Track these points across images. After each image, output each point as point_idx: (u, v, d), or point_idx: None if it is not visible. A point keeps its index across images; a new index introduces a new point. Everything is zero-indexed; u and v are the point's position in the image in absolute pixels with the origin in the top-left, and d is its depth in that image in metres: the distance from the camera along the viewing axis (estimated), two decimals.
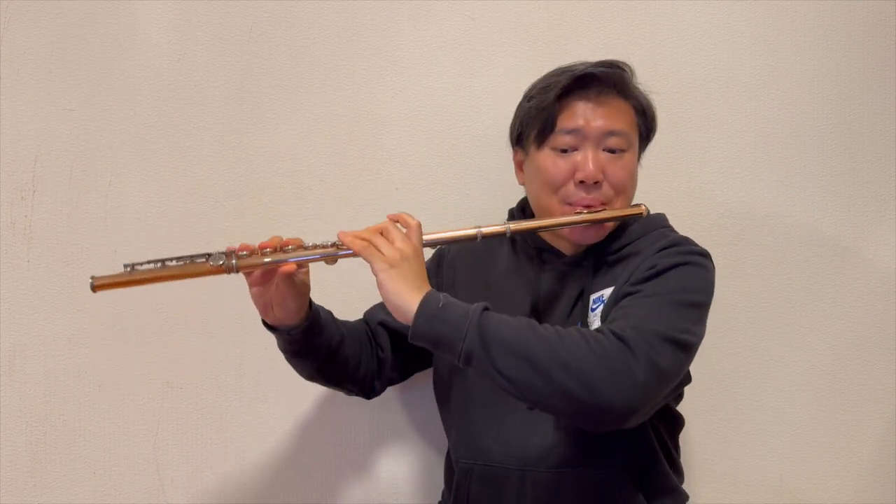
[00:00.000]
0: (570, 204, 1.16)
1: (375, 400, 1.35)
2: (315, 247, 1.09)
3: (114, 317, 1.43)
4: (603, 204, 1.16)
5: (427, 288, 1.04)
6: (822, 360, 1.54)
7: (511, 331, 1.00)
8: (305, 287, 1.13)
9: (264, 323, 1.16)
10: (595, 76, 1.16)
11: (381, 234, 1.07)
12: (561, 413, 1.04)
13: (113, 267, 1.09)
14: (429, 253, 1.27)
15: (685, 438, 1.30)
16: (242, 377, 1.46)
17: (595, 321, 1.13)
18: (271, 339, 1.20)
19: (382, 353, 1.28)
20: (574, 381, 0.96)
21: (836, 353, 1.55)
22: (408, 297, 1.02)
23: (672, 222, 1.24)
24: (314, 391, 1.46)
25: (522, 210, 1.29)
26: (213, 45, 1.45)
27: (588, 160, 1.15)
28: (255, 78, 1.46)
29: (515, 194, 1.33)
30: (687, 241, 1.16)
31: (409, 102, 1.48)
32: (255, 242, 1.10)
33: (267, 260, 1.07)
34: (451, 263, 1.32)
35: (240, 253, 1.08)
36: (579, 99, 1.16)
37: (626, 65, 1.20)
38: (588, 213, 1.15)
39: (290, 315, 1.12)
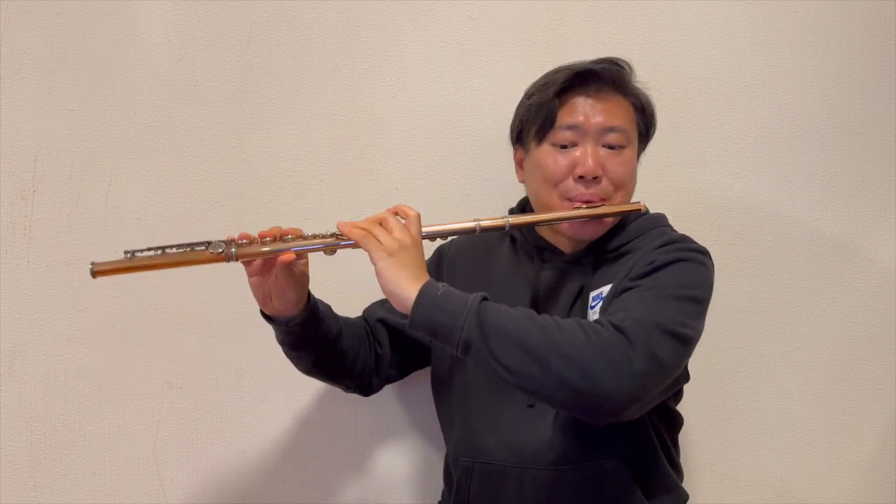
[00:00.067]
0: (569, 199, 1.17)
1: (375, 399, 1.35)
2: (314, 236, 1.10)
3: (114, 317, 1.43)
4: (602, 199, 1.17)
5: (426, 277, 1.04)
6: (822, 360, 1.54)
7: (510, 320, 1.00)
8: (304, 278, 1.13)
9: (263, 314, 1.16)
10: (594, 73, 1.17)
11: (381, 224, 1.08)
12: (559, 403, 1.04)
13: None
14: (429, 250, 1.27)
15: (685, 438, 1.30)
16: (242, 377, 1.46)
17: (594, 318, 1.13)
18: (271, 339, 1.20)
19: (381, 349, 1.28)
20: (572, 371, 0.96)
21: (836, 353, 1.55)
22: (406, 286, 1.02)
23: (672, 222, 1.24)
24: (314, 391, 1.46)
25: (522, 209, 1.29)
26: (213, 45, 1.45)
27: (587, 155, 1.15)
28: (255, 78, 1.46)
29: (515, 194, 1.33)
30: (686, 239, 1.17)
31: (409, 102, 1.48)
32: None
33: (266, 249, 1.08)
34: (451, 262, 1.32)
35: (239, 241, 1.08)
36: (579, 95, 1.17)
37: (626, 62, 1.21)
38: (587, 208, 1.16)
39: (288, 306, 1.12)
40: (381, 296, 1.11)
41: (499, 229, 1.15)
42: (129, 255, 1.06)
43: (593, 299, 1.16)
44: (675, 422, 1.26)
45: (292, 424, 1.47)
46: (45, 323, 1.42)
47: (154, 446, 1.45)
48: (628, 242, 1.18)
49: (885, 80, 1.54)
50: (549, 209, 1.18)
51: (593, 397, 0.97)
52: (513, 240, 1.28)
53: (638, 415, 1.08)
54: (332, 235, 1.10)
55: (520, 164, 1.26)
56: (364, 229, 1.07)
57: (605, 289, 1.14)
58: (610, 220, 1.19)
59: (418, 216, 1.10)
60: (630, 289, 1.08)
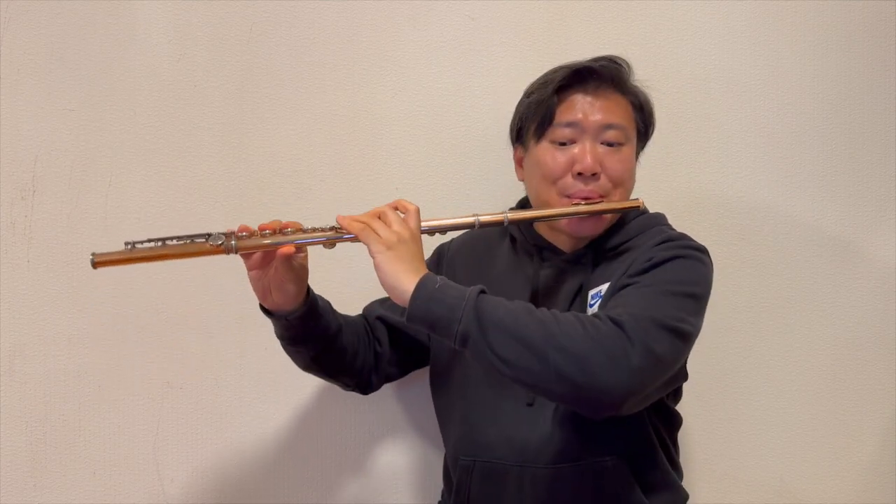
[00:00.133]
0: (568, 196, 1.17)
1: (375, 399, 1.35)
2: (314, 230, 1.10)
3: (114, 317, 1.43)
4: (601, 196, 1.17)
5: (424, 270, 1.05)
6: (822, 360, 1.54)
7: (508, 313, 1.00)
8: (304, 271, 1.13)
9: (262, 308, 1.16)
10: (593, 70, 1.18)
11: (380, 217, 1.08)
12: (556, 396, 1.04)
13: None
14: (428, 248, 1.27)
15: (685, 438, 1.30)
16: (242, 377, 1.46)
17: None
18: (271, 339, 1.20)
19: (380, 347, 1.28)
20: (570, 364, 0.96)
21: (836, 353, 1.55)
22: (404, 279, 1.03)
23: (672, 221, 1.24)
24: (314, 391, 1.46)
25: (522, 208, 1.30)
26: (213, 45, 1.45)
27: (586, 153, 1.16)
28: (255, 78, 1.46)
29: (515, 194, 1.33)
30: (685, 237, 1.17)
31: (409, 102, 1.48)
32: None
33: (266, 241, 1.08)
34: (451, 261, 1.33)
35: (239, 234, 1.08)
36: (577, 92, 1.17)
37: (624, 60, 1.21)
38: (586, 204, 1.16)
39: (288, 300, 1.13)
40: (380, 294, 1.11)
41: (498, 224, 1.15)
42: (129, 247, 1.07)
43: (592, 297, 1.16)
44: (674, 421, 1.26)
45: (292, 424, 1.47)
46: (45, 323, 1.42)
47: (154, 446, 1.45)
48: (627, 241, 1.19)
49: (885, 80, 1.54)
50: (548, 206, 1.19)
51: (591, 391, 0.97)
52: (512, 239, 1.28)
53: (636, 409, 1.08)
54: (332, 229, 1.10)
55: (519, 163, 1.27)
56: (363, 222, 1.07)
57: (604, 287, 1.15)
58: (608, 216, 1.19)
59: (417, 210, 1.10)
60: (628, 285, 1.09)
